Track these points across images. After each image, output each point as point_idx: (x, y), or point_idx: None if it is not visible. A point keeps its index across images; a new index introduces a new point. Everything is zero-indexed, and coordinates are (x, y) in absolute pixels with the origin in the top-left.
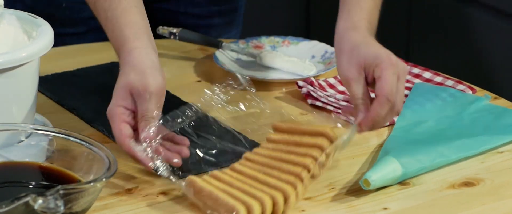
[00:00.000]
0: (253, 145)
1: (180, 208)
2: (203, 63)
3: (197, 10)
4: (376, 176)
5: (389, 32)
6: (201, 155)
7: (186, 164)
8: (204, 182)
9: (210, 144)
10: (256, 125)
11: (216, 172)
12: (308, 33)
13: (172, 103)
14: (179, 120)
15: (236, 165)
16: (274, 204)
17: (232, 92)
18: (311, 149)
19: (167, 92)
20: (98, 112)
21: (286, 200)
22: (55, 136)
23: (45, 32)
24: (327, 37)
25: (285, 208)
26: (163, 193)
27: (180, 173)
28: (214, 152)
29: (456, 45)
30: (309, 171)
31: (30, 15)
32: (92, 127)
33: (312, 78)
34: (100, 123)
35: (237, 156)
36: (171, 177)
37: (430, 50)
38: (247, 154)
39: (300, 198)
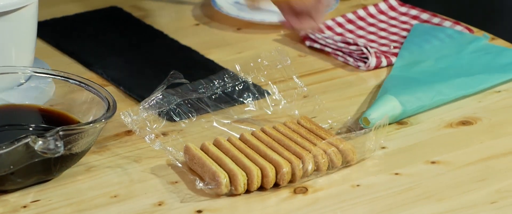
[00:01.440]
0: None
1: (179, 148)
2: (201, 7)
3: None
4: (375, 114)
5: None
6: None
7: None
8: (198, 149)
9: None
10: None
11: (219, 139)
12: None
13: (171, 47)
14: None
15: (246, 134)
16: (264, 177)
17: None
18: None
19: (165, 36)
20: (97, 55)
21: (279, 173)
22: (54, 78)
23: None
24: None
25: (281, 181)
26: (164, 133)
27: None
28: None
29: None
30: (322, 156)
31: None
32: (91, 71)
33: None
34: (99, 66)
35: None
36: (168, 147)
37: None
38: (265, 127)
39: (301, 175)
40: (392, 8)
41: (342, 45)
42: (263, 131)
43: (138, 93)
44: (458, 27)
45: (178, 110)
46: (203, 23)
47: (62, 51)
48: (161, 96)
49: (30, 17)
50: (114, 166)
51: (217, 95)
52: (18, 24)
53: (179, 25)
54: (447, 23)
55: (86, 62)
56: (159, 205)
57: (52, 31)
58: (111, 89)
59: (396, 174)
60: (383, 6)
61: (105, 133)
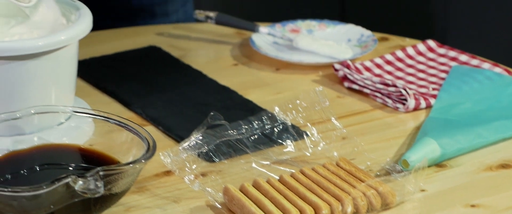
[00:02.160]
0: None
1: (218, 189)
2: (239, 47)
3: None
4: (415, 157)
5: (425, 14)
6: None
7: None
8: (237, 191)
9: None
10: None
11: (259, 180)
12: (343, 17)
13: (209, 87)
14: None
15: (285, 175)
16: None
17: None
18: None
19: (204, 76)
20: (136, 95)
21: None
22: (94, 118)
23: (83, 15)
24: (363, 20)
25: None
26: (203, 174)
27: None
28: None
29: (493, 28)
30: (361, 198)
31: None
32: (130, 110)
33: (349, 61)
34: (138, 105)
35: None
36: (208, 188)
37: (467, 32)
38: (304, 168)
39: None
40: (430, 49)
41: (381, 86)
42: (302, 173)
43: (177, 134)
44: (497, 69)
45: (218, 151)
46: (242, 63)
47: (101, 90)
48: (200, 137)
49: (71, 57)
50: (153, 206)
51: (256, 136)
52: (59, 64)
53: (217, 65)
54: (486, 65)
55: (125, 102)
56: None
57: (91, 70)
58: (150, 129)
59: None
60: (421, 47)
61: (144, 173)
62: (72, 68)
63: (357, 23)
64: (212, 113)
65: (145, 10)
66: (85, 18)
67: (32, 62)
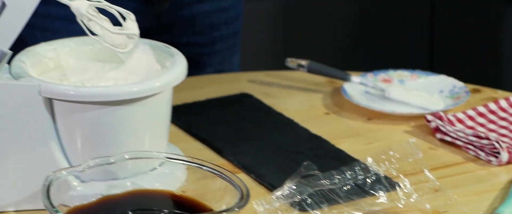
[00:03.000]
0: None
1: None
2: (331, 96)
3: (199, 39)
4: (509, 211)
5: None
6: None
7: None
8: None
9: None
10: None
11: None
12: (431, 67)
13: (301, 136)
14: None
15: None
16: None
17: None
18: None
19: (296, 124)
20: (228, 141)
21: None
22: (188, 164)
23: (178, 62)
24: (451, 71)
25: None
26: None
27: None
28: None
29: None
30: None
31: (164, 45)
32: (223, 157)
33: (441, 113)
34: (230, 153)
35: None
36: None
37: None
38: None
39: None
40: None
41: (473, 139)
42: None
43: (269, 182)
44: None
45: (310, 200)
46: (333, 112)
47: (193, 137)
48: (294, 186)
49: (165, 103)
50: None
51: (349, 186)
52: (153, 110)
53: (309, 114)
54: None
55: (217, 149)
56: None
57: (183, 116)
58: (242, 176)
59: None
60: None
61: None
62: (166, 114)
63: (444, 73)
64: (305, 163)
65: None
66: (180, 65)
67: (127, 107)
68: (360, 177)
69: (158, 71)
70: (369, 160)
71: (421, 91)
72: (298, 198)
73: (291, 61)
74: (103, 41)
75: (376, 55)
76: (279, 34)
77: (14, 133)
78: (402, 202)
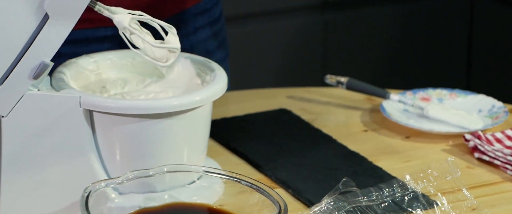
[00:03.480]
0: None
1: None
2: (369, 113)
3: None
4: None
5: None
6: None
7: None
8: None
9: None
10: None
11: None
12: (469, 86)
13: (339, 152)
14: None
15: None
16: None
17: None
18: None
19: (334, 140)
20: (266, 156)
21: None
22: (226, 178)
23: (218, 76)
24: (489, 90)
25: None
26: None
27: None
28: None
29: None
30: None
31: (205, 60)
32: (260, 172)
33: (479, 132)
34: (268, 168)
35: None
36: None
37: None
38: None
39: None
40: None
41: None
42: None
43: (306, 197)
44: None
45: None
46: (372, 130)
47: (231, 151)
48: (332, 203)
49: (205, 117)
50: None
51: (386, 203)
52: (192, 123)
53: (347, 131)
54: None
55: (255, 163)
56: None
57: (222, 131)
58: (280, 191)
59: None
60: None
61: None
62: (205, 128)
63: (482, 92)
64: (344, 179)
65: None
66: (220, 80)
67: (166, 121)
68: (398, 194)
69: (198, 86)
70: (407, 178)
71: (460, 110)
72: None
73: (330, 78)
74: (144, 55)
75: (413, 74)
76: (317, 50)
77: (54, 144)
78: None
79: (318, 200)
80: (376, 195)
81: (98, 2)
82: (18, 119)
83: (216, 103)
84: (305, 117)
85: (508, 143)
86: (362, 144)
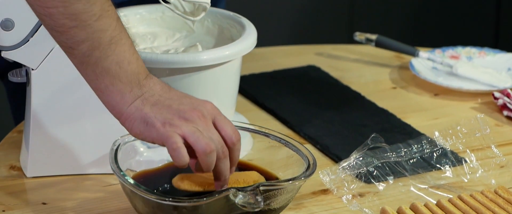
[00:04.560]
0: None
1: (375, 210)
2: (398, 71)
3: None
4: None
5: None
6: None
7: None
8: (394, 213)
9: None
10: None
11: (416, 204)
12: (496, 44)
13: (368, 109)
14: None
15: (443, 200)
16: None
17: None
18: None
19: (363, 97)
20: (295, 113)
21: None
22: (255, 133)
23: (248, 32)
24: None
25: None
26: (360, 194)
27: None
28: None
29: None
30: None
31: (235, 15)
32: (288, 127)
33: (509, 90)
34: (296, 124)
35: None
36: (365, 209)
37: None
38: (463, 194)
39: None
40: None
41: None
42: (460, 199)
43: (334, 153)
44: None
45: (376, 172)
46: (400, 87)
47: (259, 107)
48: (361, 158)
49: (234, 72)
50: None
51: (415, 160)
52: (221, 78)
53: (376, 88)
54: None
55: (283, 119)
56: None
57: (250, 86)
58: (308, 147)
59: None
60: None
61: (301, 190)
62: (234, 84)
63: (510, 50)
64: (373, 135)
65: None
66: (250, 35)
67: (195, 75)
68: (426, 151)
69: (227, 41)
70: (436, 134)
71: (489, 68)
72: (364, 169)
73: (359, 35)
74: (175, 9)
75: (441, 31)
76: (345, 7)
77: (83, 97)
78: (468, 177)
79: (346, 156)
80: (404, 151)
81: None
82: (48, 72)
83: (245, 59)
84: (333, 73)
85: None
86: (390, 101)
